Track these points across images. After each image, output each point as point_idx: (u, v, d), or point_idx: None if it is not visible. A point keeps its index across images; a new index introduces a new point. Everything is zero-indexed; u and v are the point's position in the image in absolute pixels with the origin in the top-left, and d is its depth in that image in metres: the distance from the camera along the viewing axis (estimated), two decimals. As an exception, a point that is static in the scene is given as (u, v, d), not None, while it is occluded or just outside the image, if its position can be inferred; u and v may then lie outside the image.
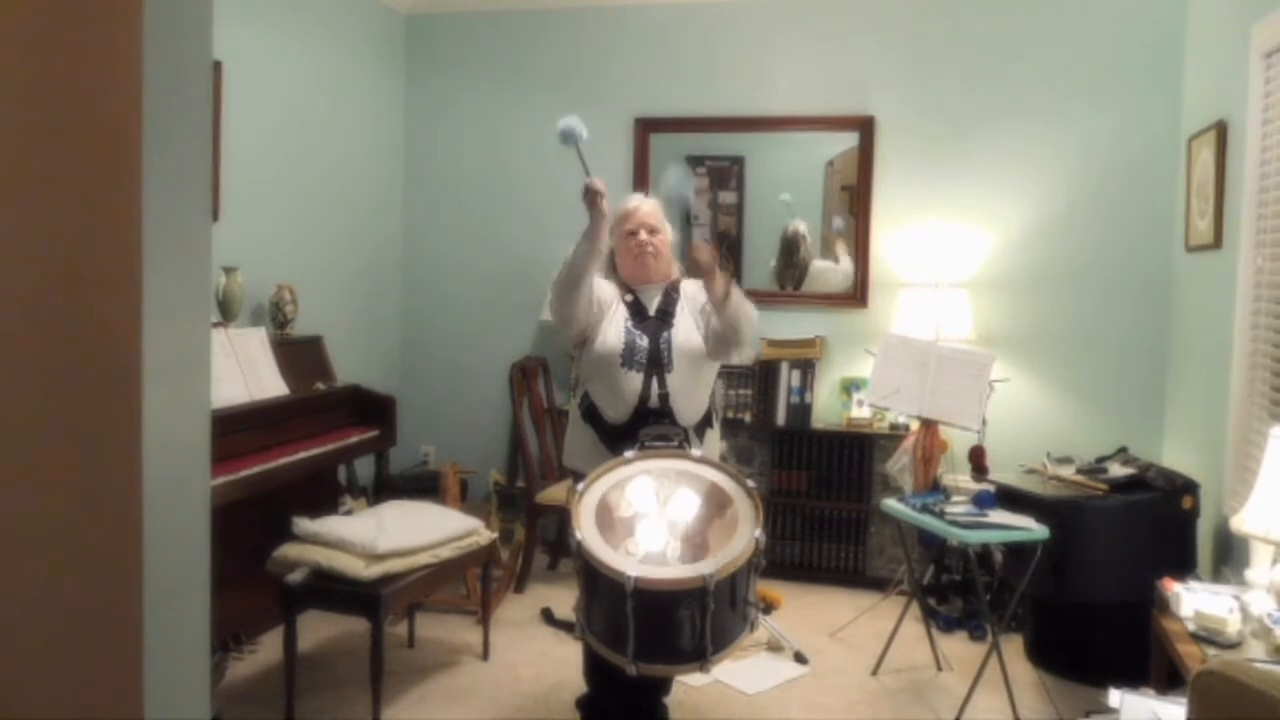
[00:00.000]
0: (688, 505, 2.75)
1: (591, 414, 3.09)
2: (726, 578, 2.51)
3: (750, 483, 2.79)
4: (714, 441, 3.18)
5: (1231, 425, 3.62)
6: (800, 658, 3.92)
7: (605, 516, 2.74)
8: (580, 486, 2.83)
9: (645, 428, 2.96)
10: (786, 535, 4.87)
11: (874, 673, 3.83)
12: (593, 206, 3.01)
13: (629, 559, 2.54)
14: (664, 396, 3.03)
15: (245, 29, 4.26)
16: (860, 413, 4.84)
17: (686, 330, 3.10)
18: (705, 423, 3.12)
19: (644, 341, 3.06)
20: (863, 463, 4.77)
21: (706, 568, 2.48)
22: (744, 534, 2.62)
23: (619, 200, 3.26)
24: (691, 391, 3.10)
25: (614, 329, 3.09)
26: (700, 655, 2.53)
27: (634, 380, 3.04)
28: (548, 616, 4.27)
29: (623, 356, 3.05)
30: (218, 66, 3.84)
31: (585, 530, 2.64)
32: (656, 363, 3.05)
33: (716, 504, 2.74)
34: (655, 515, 2.74)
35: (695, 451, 2.90)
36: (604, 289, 3.17)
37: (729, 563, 2.51)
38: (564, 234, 5.28)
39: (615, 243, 3.19)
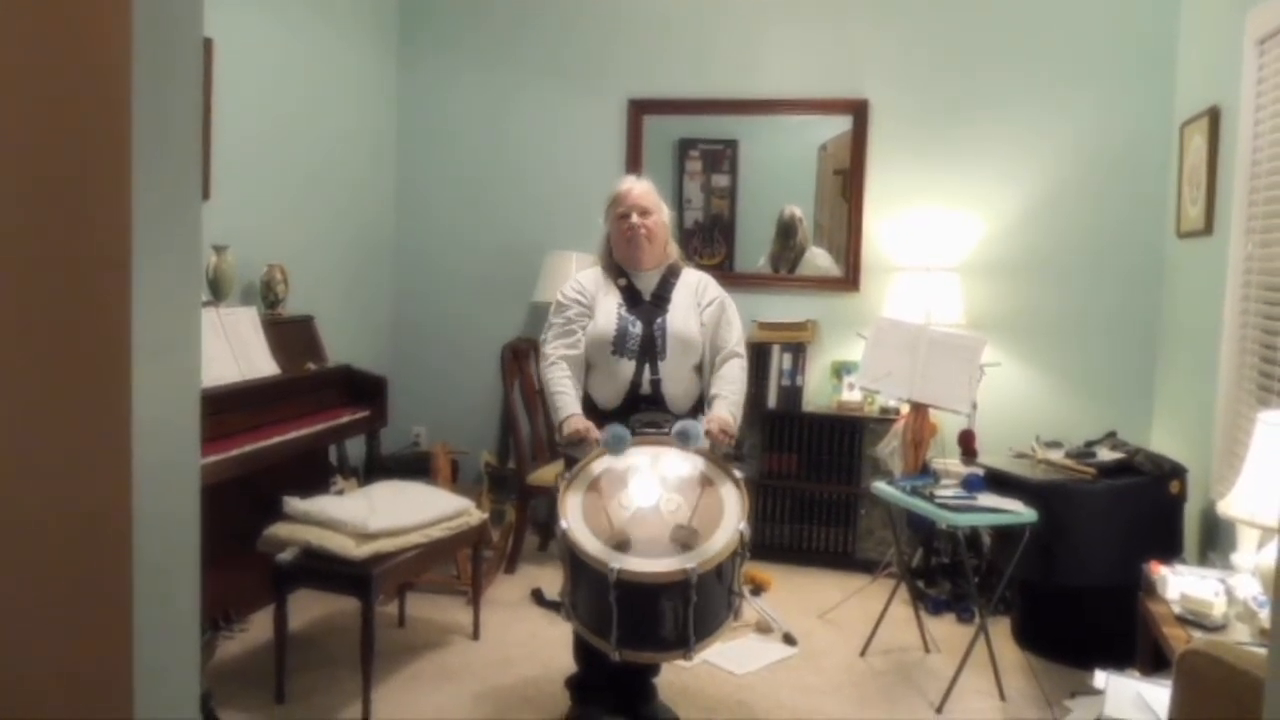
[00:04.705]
0: (678, 463, 2.81)
1: (584, 399, 3.09)
2: (709, 570, 2.53)
3: (738, 473, 2.81)
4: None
5: (1219, 410, 3.64)
6: (789, 639, 3.94)
7: (598, 483, 2.78)
8: (569, 473, 2.84)
9: (636, 414, 2.97)
10: (776, 517, 4.88)
11: (862, 654, 3.85)
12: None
13: (614, 553, 2.55)
14: (656, 383, 3.03)
15: (236, 6, 4.22)
16: (851, 396, 4.85)
17: (683, 317, 3.09)
18: (698, 409, 3.12)
19: (637, 328, 3.05)
20: (853, 446, 4.78)
21: (689, 561, 2.50)
22: (728, 526, 2.64)
23: (612, 183, 3.26)
24: (684, 378, 3.10)
25: (605, 316, 3.07)
26: (683, 643, 2.56)
27: (626, 367, 3.03)
28: (538, 597, 4.28)
29: (614, 344, 3.04)
30: (208, 44, 3.81)
31: (571, 519, 2.66)
32: (650, 350, 3.04)
33: (703, 490, 2.76)
34: (647, 470, 2.77)
35: None
36: (588, 282, 3.16)
37: (712, 557, 2.53)
38: (557, 214, 5.32)
39: (608, 226, 3.18)
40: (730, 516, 2.68)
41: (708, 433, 2.89)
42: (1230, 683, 1.79)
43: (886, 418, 4.68)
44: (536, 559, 4.83)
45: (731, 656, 3.74)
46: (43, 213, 1.49)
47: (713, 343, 3.11)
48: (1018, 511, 3.43)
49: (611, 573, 2.48)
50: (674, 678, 3.48)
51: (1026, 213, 4.81)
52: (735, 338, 3.13)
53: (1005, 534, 3.65)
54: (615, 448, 2.83)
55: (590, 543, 2.59)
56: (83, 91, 1.46)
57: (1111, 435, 4.21)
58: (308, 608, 3.91)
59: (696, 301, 3.13)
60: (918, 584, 4.37)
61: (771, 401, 4.87)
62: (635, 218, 3.09)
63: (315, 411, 4.21)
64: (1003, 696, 3.46)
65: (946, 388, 3.98)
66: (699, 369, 3.14)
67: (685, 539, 2.60)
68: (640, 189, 3.15)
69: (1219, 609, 2.74)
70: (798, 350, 4.88)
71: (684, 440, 2.84)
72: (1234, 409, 3.56)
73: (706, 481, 2.80)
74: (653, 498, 2.72)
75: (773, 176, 5.22)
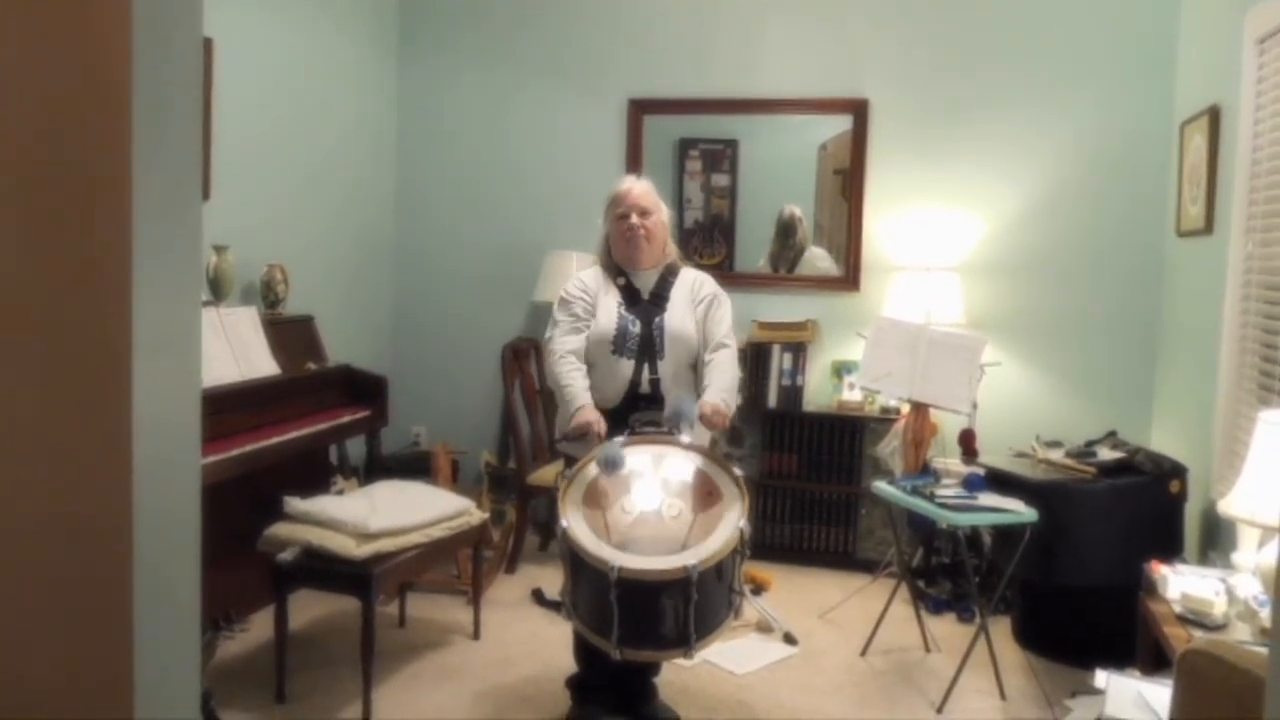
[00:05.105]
0: (680, 467, 2.80)
1: None
2: (710, 568, 2.53)
3: (738, 471, 2.81)
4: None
5: (1220, 410, 3.64)
6: (790, 639, 3.94)
7: (598, 482, 2.77)
8: (569, 473, 2.84)
9: (635, 413, 2.97)
10: (777, 517, 4.88)
11: (863, 654, 3.85)
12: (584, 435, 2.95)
13: (614, 551, 2.55)
14: (655, 382, 3.04)
15: (236, 5, 4.22)
16: (851, 396, 4.85)
17: (680, 316, 3.10)
18: None
19: (636, 327, 3.06)
20: (853, 445, 4.78)
21: (690, 559, 2.50)
22: (729, 524, 2.64)
23: (612, 183, 3.26)
24: (682, 377, 3.11)
25: (605, 315, 3.08)
26: (684, 641, 2.56)
27: (625, 366, 3.04)
28: (538, 597, 4.28)
29: (614, 343, 3.05)
30: (208, 43, 3.81)
31: (571, 518, 2.66)
32: (649, 349, 3.05)
33: (703, 489, 2.76)
34: (650, 474, 2.77)
35: (684, 438, 2.91)
36: (590, 281, 3.17)
37: (712, 554, 2.53)
38: (557, 214, 5.32)
39: (608, 226, 3.18)
40: (730, 514, 2.68)
41: (701, 415, 2.90)
42: (1231, 682, 1.79)
43: (887, 417, 4.68)
44: (537, 559, 4.83)
45: (732, 656, 3.74)
46: (44, 213, 1.49)
47: (704, 337, 3.12)
48: (1018, 511, 3.43)
49: (612, 571, 2.48)
50: (674, 677, 3.48)
51: (1026, 212, 4.81)
52: (724, 330, 3.13)
53: (1006, 534, 3.65)
54: (610, 470, 2.75)
55: (591, 541, 2.59)
56: (83, 91, 1.46)
57: (1112, 435, 4.21)
58: (308, 608, 3.91)
59: (692, 299, 3.14)
60: (918, 584, 4.37)
61: (772, 401, 4.87)
62: (635, 218, 3.10)
63: (315, 411, 4.21)
64: (1003, 696, 3.46)
65: (947, 387, 3.98)
66: (695, 367, 3.14)
67: (684, 542, 2.61)
68: (640, 189, 3.15)
69: (1220, 608, 2.74)
70: (798, 350, 4.88)
71: (678, 419, 2.85)
72: (1234, 408, 3.56)
73: (707, 480, 2.80)
74: (655, 502, 2.72)
75: (773, 176, 5.22)
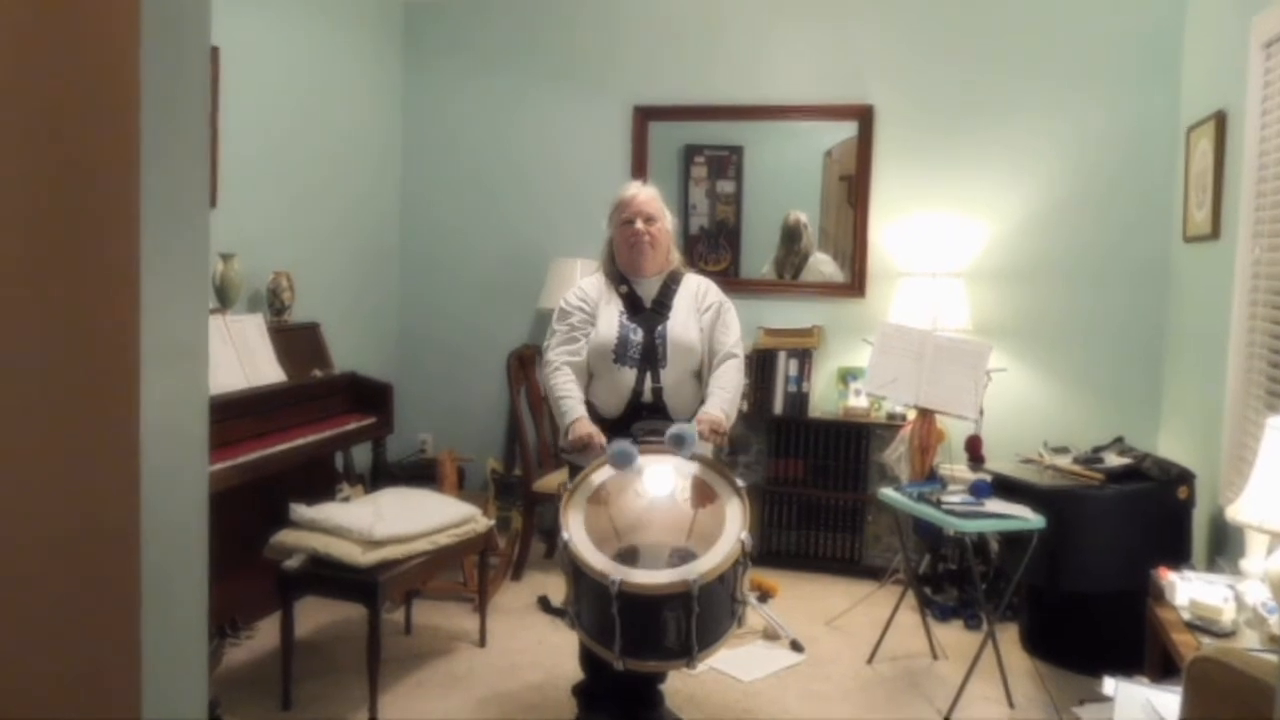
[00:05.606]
0: (684, 463, 2.84)
1: (587, 406, 3.09)
2: (712, 580, 2.53)
3: (740, 482, 2.81)
4: None
5: (1227, 415, 3.63)
6: (796, 646, 3.93)
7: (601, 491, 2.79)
8: (571, 483, 2.84)
9: (638, 422, 2.97)
10: (783, 524, 4.88)
11: (869, 661, 3.84)
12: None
13: (615, 565, 2.55)
14: (657, 391, 3.04)
15: (243, 14, 4.24)
16: (857, 402, 4.84)
17: (683, 324, 3.09)
18: None
19: (638, 336, 3.05)
20: (859, 452, 4.77)
21: (690, 573, 2.50)
22: (730, 536, 2.64)
23: (617, 189, 3.27)
24: (685, 386, 3.10)
25: (607, 323, 3.08)
26: (686, 652, 2.56)
27: (627, 375, 3.03)
28: (544, 604, 4.27)
29: (615, 352, 3.04)
30: (215, 52, 3.83)
31: (573, 530, 2.66)
32: (651, 357, 3.04)
33: (705, 497, 2.76)
34: (658, 462, 2.79)
35: None
36: (591, 290, 3.16)
37: (713, 568, 2.53)
38: (562, 221, 5.33)
39: (612, 232, 3.18)
40: (732, 525, 2.67)
41: (700, 435, 2.90)
42: (1240, 689, 1.78)
43: (893, 424, 4.67)
44: (543, 566, 4.82)
45: (738, 663, 3.73)
46: (52, 221, 1.50)
47: (710, 346, 3.12)
48: (1025, 517, 3.42)
49: (613, 585, 2.48)
50: (681, 685, 3.48)
51: (1032, 218, 4.80)
52: (732, 339, 3.13)
53: (1013, 540, 3.64)
54: (620, 463, 2.81)
55: (592, 555, 2.59)
56: (91, 99, 1.47)
57: (1119, 441, 4.20)
58: (314, 615, 3.92)
59: (696, 307, 3.14)
60: (925, 590, 4.35)
61: (777, 407, 4.87)
62: (639, 224, 3.10)
63: (321, 419, 4.22)
64: (1011, 703, 3.45)
65: (953, 393, 3.97)
66: (699, 375, 3.14)
67: (684, 555, 2.61)
68: (645, 195, 3.16)
69: (1228, 615, 2.73)
70: (804, 356, 4.88)
71: (679, 445, 2.83)
72: (1242, 414, 3.55)
73: (708, 489, 2.80)
74: (667, 486, 2.73)
75: (778, 182, 5.23)
